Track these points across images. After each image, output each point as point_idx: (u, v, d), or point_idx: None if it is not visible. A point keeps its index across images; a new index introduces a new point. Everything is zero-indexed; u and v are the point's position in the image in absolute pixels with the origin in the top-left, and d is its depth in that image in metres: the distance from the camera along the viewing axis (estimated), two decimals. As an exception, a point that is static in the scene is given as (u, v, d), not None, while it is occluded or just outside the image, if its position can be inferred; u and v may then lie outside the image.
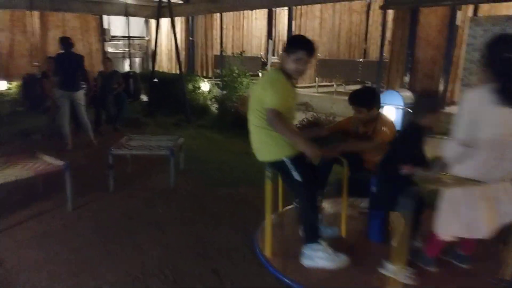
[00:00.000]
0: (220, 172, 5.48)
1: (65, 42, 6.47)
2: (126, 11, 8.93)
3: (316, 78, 11.23)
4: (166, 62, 14.93)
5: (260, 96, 2.95)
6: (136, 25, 14.67)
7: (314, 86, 11.35)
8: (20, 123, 7.83)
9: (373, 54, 12.96)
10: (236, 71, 8.41)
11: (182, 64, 14.48)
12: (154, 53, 9.64)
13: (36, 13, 12.30)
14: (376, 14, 12.94)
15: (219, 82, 10.95)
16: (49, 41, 13.24)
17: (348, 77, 10.77)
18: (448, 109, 7.66)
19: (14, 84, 9.46)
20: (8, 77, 11.42)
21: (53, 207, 4.27)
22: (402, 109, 6.53)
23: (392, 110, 6.51)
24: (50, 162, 4.31)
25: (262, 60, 12.29)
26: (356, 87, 11.33)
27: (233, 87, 8.29)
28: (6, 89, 9.27)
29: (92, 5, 12.15)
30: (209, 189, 4.85)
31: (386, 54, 9.44)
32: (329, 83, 12.08)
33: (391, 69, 9.04)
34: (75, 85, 6.43)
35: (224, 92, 8.56)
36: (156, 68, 9.72)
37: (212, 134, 7.55)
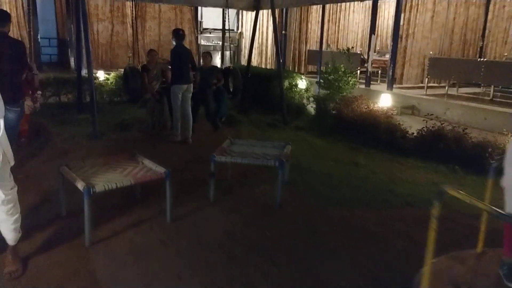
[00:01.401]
0: (328, 187, 4.77)
1: (178, 34, 6.25)
2: (225, 2, 8.49)
3: (426, 79, 9.99)
4: (256, 56, 14.49)
5: None
6: (225, 17, 14.39)
7: (421, 87, 10.13)
8: (118, 115, 7.80)
9: (491, 53, 11.30)
10: (343, 69, 7.59)
11: (274, 59, 14.14)
12: (251, 47, 9.14)
13: (134, 4, 12.53)
14: (497, 7, 11.26)
15: (313, 79, 10.23)
16: (146, 32, 13.45)
17: (466, 79, 9.41)
18: None
19: (112, 74, 9.55)
20: (106, 67, 11.72)
21: (151, 216, 3.88)
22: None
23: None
24: (150, 167, 3.91)
25: (362, 57, 11.30)
26: (473, 90, 10.02)
27: (337, 86, 7.50)
28: (105, 79, 9.37)
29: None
30: (318, 208, 4.17)
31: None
32: (437, 85, 10.75)
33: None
34: (189, 78, 6.40)
35: (325, 91, 7.80)
36: (246, 63, 9.24)
37: (312, 139, 6.86)
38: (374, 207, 4.22)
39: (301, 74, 11.01)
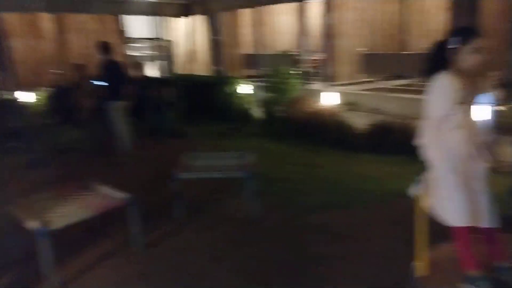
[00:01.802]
0: (299, 193, 4.72)
1: (104, 47, 5.80)
2: (152, 10, 8.15)
3: (361, 75, 10.41)
4: (189, 64, 14.16)
5: None
6: (152, 25, 13.92)
7: (355, 83, 10.54)
8: (54, 139, 7.13)
9: (413, 47, 12.06)
10: (287, 71, 7.62)
11: (208, 66, 13.88)
12: (189, 55, 8.86)
13: (50, 16, 11.60)
14: (417, 1, 12.03)
15: (254, 83, 10.20)
16: (68, 46, 12.54)
17: (397, 72, 9.94)
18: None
19: (38, 94, 8.76)
20: (29, 87, 10.74)
21: (120, 247, 3.56)
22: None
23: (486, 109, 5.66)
24: (108, 194, 3.58)
25: (294, 57, 11.45)
26: (404, 82, 10.57)
27: (282, 89, 7.51)
28: (30, 100, 8.56)
29: (112, 5, 11.39)
30: (295, 218, 4.09)
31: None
32: (369, 79, 11.23)
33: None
34: (122, 93, 6.00)
35: (271, 94, 7.78)
36: (180, 71, 8.97)
37: (267, 144, 6.79)
38: (349, 208, 4.22)
39: (237, 78, 10.94)
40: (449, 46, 2.33)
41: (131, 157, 6.09)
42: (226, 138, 7.24)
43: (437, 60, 2.38)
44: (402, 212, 4.01)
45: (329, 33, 10.41)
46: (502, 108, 5.80)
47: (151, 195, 4.70)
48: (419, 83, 9.35)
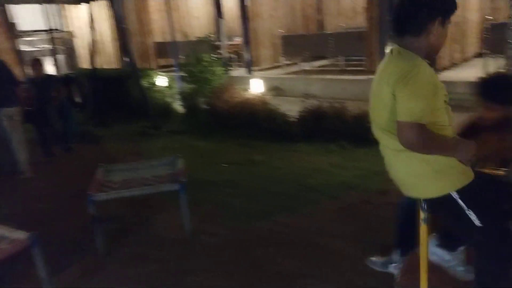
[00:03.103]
0: (237, 197, 4.18)
1: None
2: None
3: (282, 58, 10.08)
4: (93, 57, 12.76)
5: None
6: (48, 15, 12.30)
7: (277, 67, 10.22)
8: None
9: (329, 26, 12.04)
10: (209, 59, 6.96)
11: (116, 58, 12.58)
12: (94, 47, 7.80)
13: None
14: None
15: (170, 74, 9.39)
16: None
17: (318, 53, 9.76)
18: (446, 75, 6.97)
19: None
20: None
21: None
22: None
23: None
24: (8, 236, 2.75)
25: (213, 43, 10.81)
26: (323, 62, 10.48)
27: (204, 78, 6.86)
28: None
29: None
30: (239, 227, 3.56)
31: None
32: (290, 62, 10.99)
33: (371, 39, 8.17)
34: (12, 98, 4.97)
35: (191, 85, 7.10)
36: (84, 66, 7.92)
37: (193, 142, 6.14)
38: (299, 210, 3.77)
39: (151, 69, 10.04)
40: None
41: (31, 174, 5.09)
42: (145, 138, 6.44)
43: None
44: (354, 207, 3.72)
45: (246, 16, 9.90)
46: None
47: (63, 223, 3.87)
48: (343, 63, 9.29)
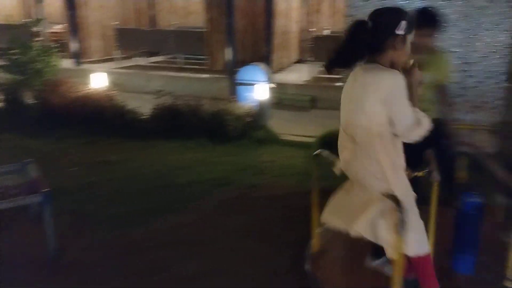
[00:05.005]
0: (100, 203, 3.72)
1: None
2: None
3: (115, 51, 9.39)
4: None
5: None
6: None
7: (110, 60, 9.51)
8: None
9: (162, 23, 11.79)
10: (38, 48, 5.92)
11: None
12: None
13: None
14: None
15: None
16: None
17: (157, 49, 9.47)
18: (278, 78, 7.66)
19: None
20: None
21: None
22: (268, 85, 6.05)
23: (263, 87, 5.93)
24: None
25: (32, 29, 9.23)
26: (160, 58, 10.11)
27: (34, 69, 5.83)
28: None
29: None
30: (113, 235, 3.17)
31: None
32: (123, 56, 10.34)
33: (213, 40, 8.36)
34: None
35: (16, 76, 5.96)
36: None
37: (24, 142, 5.16)
38: (175, 209, 3.58)
39: None
40: (397, 32, 1.83)
41: None
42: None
43: (358, 47, 1.83)
44: (232, 202, 3.76)
45: (72, 2, 8.87)
46: (273, 85, 6.30)
47: None
48: (181, 60, 9.24)
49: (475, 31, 4.02)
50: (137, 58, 9.57)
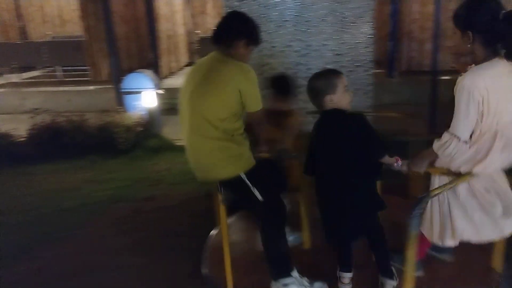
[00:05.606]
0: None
1: None
2: None
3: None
4: None
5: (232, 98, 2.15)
6: None
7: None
8: None
9: (34, 34, 10.80)
10: None
11: None
12: None
13: None
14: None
15: None
16: None
17: (29, 63, 8.62)
18: (168, 83, 7.50)
19: None
20: None
21: None
22: (156, 91, 5.87)
23: (151, 94, 5.72)
24: None
25: None
26: (36, 74, 9.15)
27: None
28: None
29: None
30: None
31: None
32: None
33: (93, 49, 7.87)
34: None
35: None
36: None
37: None
38: (67, 237, 3.28)
39: None
40: None
41: None
42: None
43: None
44: (128, 218, 3.57)
45: None
46: (161, 91, 6.14)
47: None
48: (61, 73, 8.55)
49: (341, 24, 4.32)
50: (9, 75, 8.64)
